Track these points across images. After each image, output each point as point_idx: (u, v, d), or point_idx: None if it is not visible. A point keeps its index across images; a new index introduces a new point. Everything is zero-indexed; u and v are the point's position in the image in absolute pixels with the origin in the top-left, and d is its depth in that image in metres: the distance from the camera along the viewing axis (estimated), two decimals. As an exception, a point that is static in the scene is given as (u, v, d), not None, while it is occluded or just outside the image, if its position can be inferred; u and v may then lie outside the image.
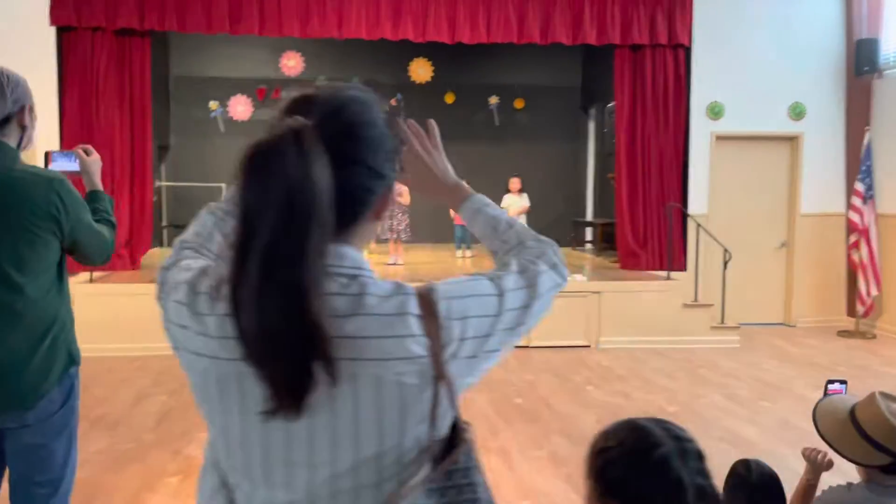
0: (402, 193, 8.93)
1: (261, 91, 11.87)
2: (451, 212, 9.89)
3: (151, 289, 1.15)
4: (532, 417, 5.35)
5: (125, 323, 6.84)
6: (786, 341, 8.19)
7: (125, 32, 7.92)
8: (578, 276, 7.88)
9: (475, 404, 5.61)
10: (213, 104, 11.82)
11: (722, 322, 7.92)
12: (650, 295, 7.75)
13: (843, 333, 8.49)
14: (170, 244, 11.41)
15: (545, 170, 12.43)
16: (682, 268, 8.59)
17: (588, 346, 7.69)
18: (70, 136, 7.81)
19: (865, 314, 8.35)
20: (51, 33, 7.76)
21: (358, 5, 8.07)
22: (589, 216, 12.28)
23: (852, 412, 2.50)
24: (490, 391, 6.01)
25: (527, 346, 7.55)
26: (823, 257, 8.98)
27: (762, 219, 9.03)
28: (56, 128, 7.84)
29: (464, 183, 1.41)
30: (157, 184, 11.13)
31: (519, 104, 12.39)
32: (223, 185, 11.38)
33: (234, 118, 11.93)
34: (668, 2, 8.44)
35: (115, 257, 7.93)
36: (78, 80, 7.84)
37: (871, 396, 2.68)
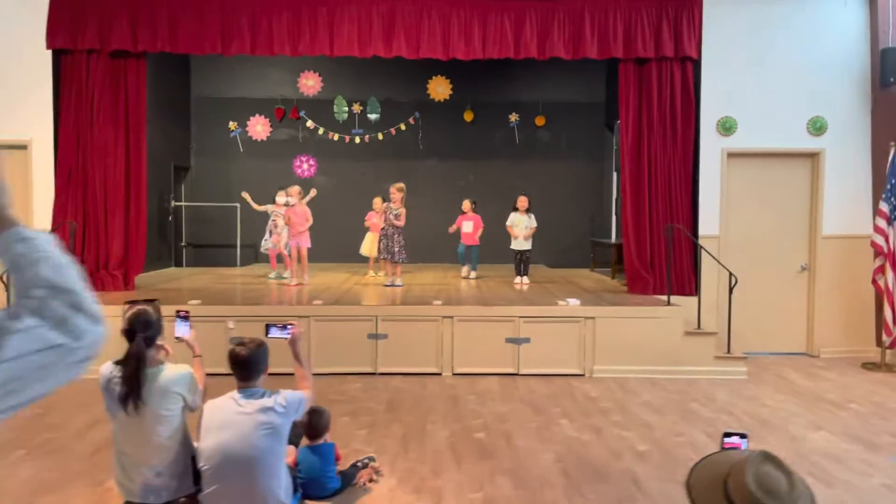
0: (400, 216, 8.73)
1: (279, 111, 11.88)
2: (457, 228, 9.69)
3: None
4: (486, 454, 5.02)
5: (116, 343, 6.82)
6: (800, 373, 7.60)
7: (120, 54, 7.99)
8: (572, 301, 7.50)
9: (434, 439, 5.33)
10: (232, 124, 11.89)
11: (728, 351, 7.40)
12: (648, 322, 7.30)
13: (869, 366, 7.83)
14: (187, 263, 11.51)
15: (567, 189, 12.07)
16: (693, 292, 8.10)
17: (582, 375, 7.29)
18: (65, 159, 7.91)
19: (892, 345, 7.68)
20: (47, 56, 7.88)
21: (350, 22, 7.93)
22: (613, 237, 11.81)
23: (726, 477, 2.15)
24: (456, 423, 5.72)
25: (515, 374, 7.22)
26: (849, 282, 8.34)
27: (781, 241, 8.46)
28: (51, 150, 7.95)
29: (10, 213, 1.17)
30: (174, 204, 11.23)
31: (540, 121, 12.05)
32: (238, 206, 11.42)
33: (254, 138, 11.97)
34: (674, 13, 8.03)
35: (108, 277, 7.99)
36: (74, 102, 7.93)
37: (746, 459, 2.31)
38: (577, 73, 11.40)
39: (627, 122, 8.29)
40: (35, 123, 7.94)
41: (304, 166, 12.02)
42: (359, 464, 4.61)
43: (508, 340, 7.23)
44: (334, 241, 11.23)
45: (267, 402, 3.67)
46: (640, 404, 6.34)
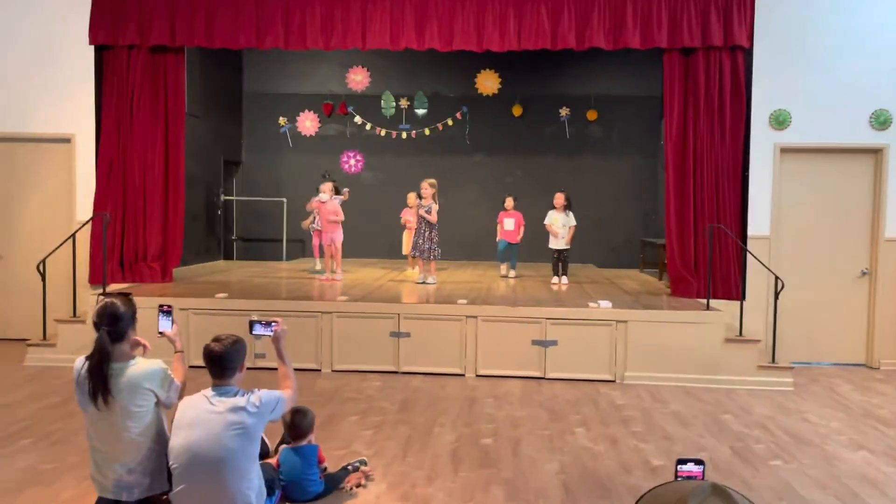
0: (431, 211, 8.56)
1: (327, 106, 11.88)
2: (498, 227, 9.44)
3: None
4: (486, 462, 4.80)
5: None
6: (853, 386, 7.05)
7: (159, 49, 8.08)
8: (603, 303, 7.16)
9: (438, 443, 5.14)
10: (282, 120, 11.96)
11: (773, 361, 6.92)
12: (685, 327, 6.90)
13: (934, 380, 7.21)
14: (238, 257, 11.67)
15: (620, 186, 11.64)
16: (738, 297, 7.62)
17: (612, 381, 6.95)
18: (106, 152, 8.06)
19: (960, 358, 7.04)
20: (90, 52, 8.04)
21: (382, 15, 7.79)
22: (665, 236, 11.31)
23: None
24: (465, 427, 5.52)
25: (541, 378, 6.95)
26: (915, 289, 7.70)
27: (839, 243, 7.88)
28: (93, 144, 8.12)
29: None
30: (223, 198, 11.38)
31: (592, 116, 11.65)
32: (284, 200, 11.49)
33: (303, 133, 12.01)
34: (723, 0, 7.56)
35: (146, 268, 8.12)
36: (115, 96, 8.07)
37: (693, 491, 2.06)
38: (631, 65, 10.95)
39: (672, 116, 7.86)
40: (78, 118, 8.12)
41: (351, 162, 11.99)
42: (349, 467, 4.47)
43: (535, 343, 6.96)
44: (379, 238, 11.15)
45: (239, 401, 3.55)
46: (667, 414, 5.98)
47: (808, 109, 7.70)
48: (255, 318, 4.13)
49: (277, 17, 7.86)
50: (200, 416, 3.52)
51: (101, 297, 3.73)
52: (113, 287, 7.97)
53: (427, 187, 8.61)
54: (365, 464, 4.55)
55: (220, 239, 11.43)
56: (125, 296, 3.78)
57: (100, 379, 3.50)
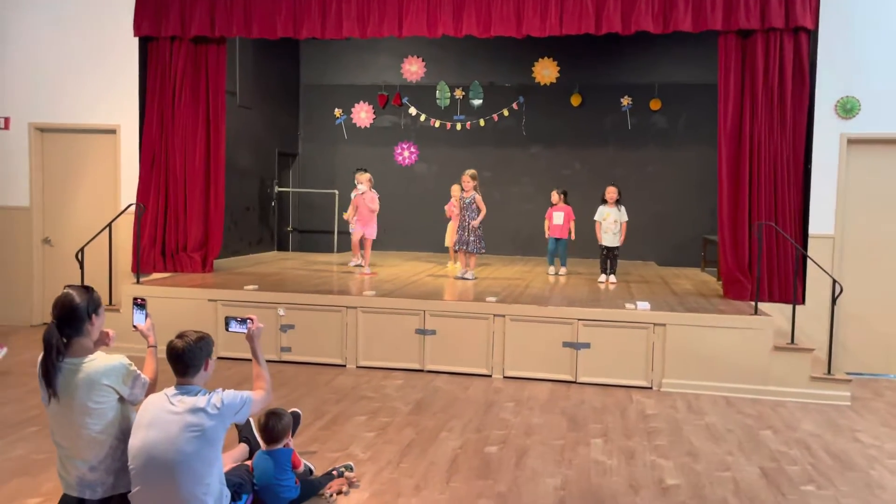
0: (477, 201, 8.28)
1: (382, 97, 11.75)
2: (546, 223, 9.07)
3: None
4: (485, 473, 4.51)
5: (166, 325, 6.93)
6: (923, 403, 6.36)
7: (201, 40, 8.11)
8: (641, 304, 6.70)
9: (440, 448, 4.89)
10: (337, 111, 11.91)
11: (829, 372, 6.31)
12: (729, 332, 6.37)
13: None
14: (293, 249, 11.72)
15: (685, 180, 11.00)
16: (800, 301, 7.00)
17: (648, 388, 6.51)
18: (149, 143, 8.16)
19: None
20: (135, 44, 8.15)
21: (418, 2, 7.53)
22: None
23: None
24: (475, 432, 5.24)
25: (571, 382, 6.58)
26: None
27: (913, 244, 7.14)
28: (137, 135, 8.23)
29: None
30: (277, 189, 11.42)
31: (655, 105, 11.04)
32: (336, 192, 11.44)
33: (358, 125, 11.92)
34: (785, -25, 6.94)
35: (187, 259, 8.18)
36: (158, 87, 8.16)
37: None
38: (696, 50, 10.33)
39: (727, 104, 7.28)
40: (123, 109, 8.25)
41: (406, 154, 11.82)
42: (334, 472, 4.28)
43: (566, 345, 6.59)
44: (431, 231, 10.92)
45: (199, 401, 3.38)
46: (698, 427, 5.52)
47: (880, 96, 6.99)
48: (230, 315, 3.99)
49: (314, 5, 7.74)
50: (158, 415, 3.37)
51: (64, 288, 3.64)
52: (154, 276, 8.09)
53: (468, 179, 8.33)
54: (351, 469, 4.34)
55: (274, 230, 11.49)
56: (85, 288, 3.65)
57: (46, 372, 3.40)
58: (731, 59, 7.24)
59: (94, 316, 3.57)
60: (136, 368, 3.60)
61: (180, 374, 3.47)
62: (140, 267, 7.80)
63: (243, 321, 3.85)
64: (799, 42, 7.05)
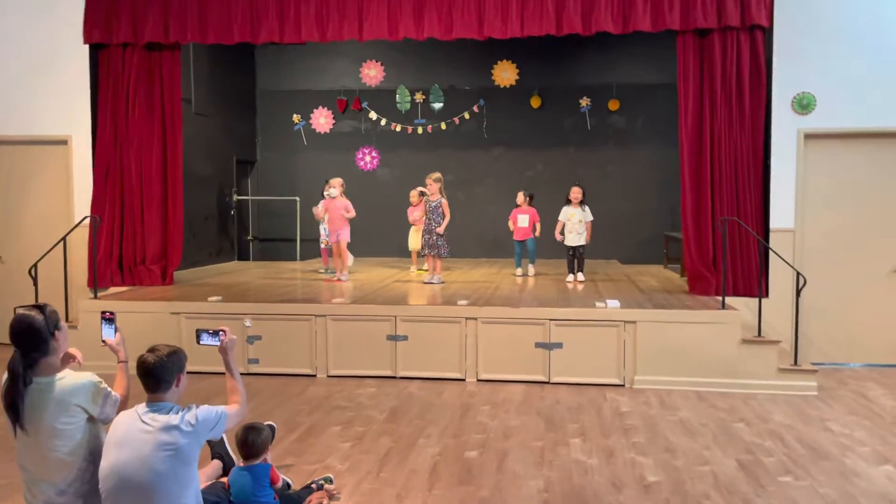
0: (443, 206, 8.23)
1: (341, 102, 11.63)
2: (510, 223, 9.06)
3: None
4: (466, 478, 4.46)
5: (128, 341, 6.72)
6: (887, 390, 6.50)
7: (154, 47, 7.90)
8: (611, 303, 6.73)
9: (419, 456, 4.82)
10: (296, 117, 11.75)
11: (795, 363, 6.42)
12: (698, 327, 6.44)
13: (977, 383, 6.62)
14: (254, 258, 11.51)
15: (645, 178, 11.10)
16: (764, 294, 7.09)
17: (621, 385, 6.53)
18: (102, 154, 7.92)
19: None
20: (85, 51, 7.91)
21: (378, 4, 7.46)
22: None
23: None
24: (453, 437, 5.19)
25: (545, 383, 6.57)
26: (957, 284, 7.09)
27: (870, 235, 7.31)
28: (89, 146, 7.99)
29: None
30: (236, 198, 11.22)
31: (614, 106, 11.14)
32: (297, 199, 11.28)
33: (317, 131, 11.78)
34: (740, -24, 7.05)
35: (146, 272, 7.97)
36: (111, 96, 7.93)
37: None
38: (653, 50, 10.45)
39: (687, 103, 7.37)
40: (75, 119, 8.00)
41: (367, 158, 11.71)
42: (313, 485, 4.17)
43: (538, 345, 6.58)
44: (394, 236, 10.84)
45: (172, 419, 3.24)
46: (673, 422, 5.55)
47: (835, 92, 7.15)
48: (201, 327, 3.87)
49: (271, 9, 7.61)
50: (130, 434, 3.23)
51: (16, 310, 3.47)
52: (112, 291, 7.86)
53: (432, 182, 8.28)
54: (330, 481, 4.25)
55: (234, 239, 11.28)
56: (38, 307, 3.47)
57: (11, 405, 3.25)
58: (690, 59, 7.33)
59: (56, 332, 3.41)
60: (106, 386, 3.46)
61: (151, 389, 3.33)
62: (97, 281, 7.57)
63: (215, 333, 3.74)
64: (755, 40, 7.17)
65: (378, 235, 11.45)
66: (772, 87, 7.21)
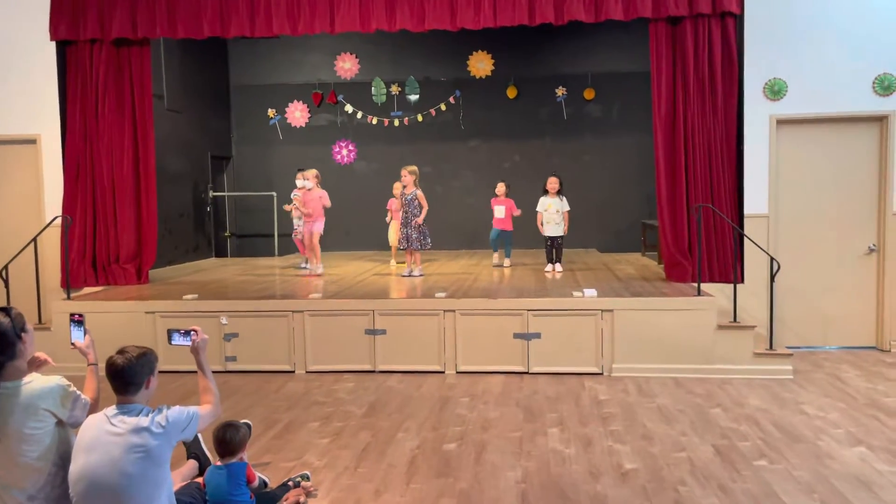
0: (419, 197, 8.21)
1: (316, 95, 11.55)
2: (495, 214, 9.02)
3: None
4: (445, 471, 4.45)
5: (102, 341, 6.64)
6: (860, 372, 6.57)
7: (122, 42, 7.80)
8: (588, 292, 6.75)
9: (397, 450, 4.81)
10: (271, 112, 11.66)
11: (770, 347, 6.47)
12: (674, 314, 6.47)
13: (949, 363, 6.71)
14: (232, 254, 11.43)
15: (622, 167, 11.14)
16: (739, 280, 7.15)
17: (599, 374, 6.56)
18: (73, 152, 7.82)
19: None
20: (52, 48, 7.79)
21: (349, -5, 7.43)
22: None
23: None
24: (432, 430, 5.18)
25: (524, 373, 6.58)
26: (928, 265, 7.17)
27: (843, 219, 7.37)
28: (59, 145, 7.88)
29: None
30: (212, 194, 11.13)
31: (589, 95, 11.16)
32: (274, 195, 11.21)
33: (293, 125, 11.70)
34: (710, -38, 7.07)
35: (120, 271, 7.88)
36: (80, 94, 7.82)
37: None
38: (628, 38, 10.48)
39: (661, 91, 7.39)
40: (43, 117, 7.87)
41: (344, 152, 11.66)
42: (290, 483, 4.15)
43: (517, 336, 6.59)
44: (373, 230, 10.78)
45: (142, 421, 3.20)
46: (650, 409, 5.58)
47: (805, 77, 7.18)
48: (172, 327, 3.83)
49: (241, 3, 7.53)
50: (99, 437, 3.18)
51: None
52: (86, 291, 7.77)
53: (406, 175, 8.25)
54: (307, 478, 4.23)
55: (211, 236, 11.19)
56: (3, 311, 3.42)
57: None
58: (662, 47, 7.35)
59: (23, 335, 3.37)
60: (75, 389, 3.42)
61: (121, 392, 3.29)
62: (70, 282, 7.48)
63: (187, 333, 3.71)
64: (726, 27, 7.20)
65: (356, 229, 11.41)
66: (743, 74, 7.25)
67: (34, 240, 7.09)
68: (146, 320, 6.89)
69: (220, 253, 11.46)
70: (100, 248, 7.95)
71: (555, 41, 10.95)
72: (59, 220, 7.40)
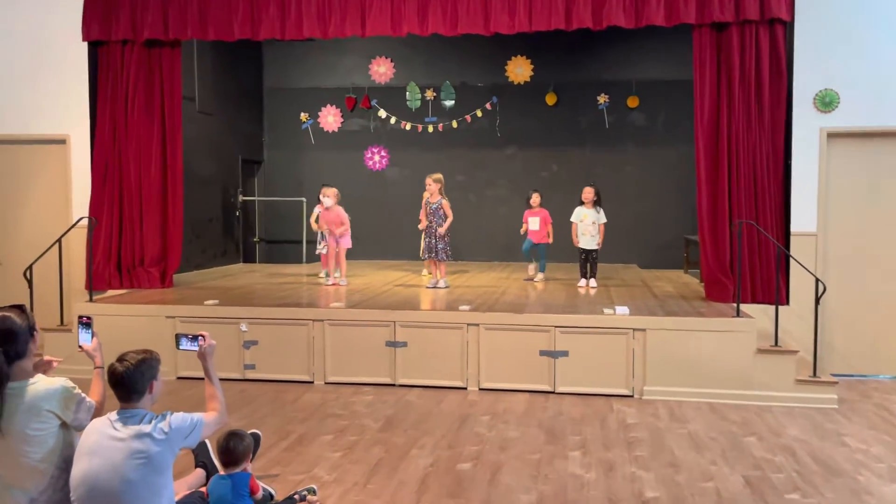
0: (441, 209, 7.98)
1: (350, 100, 11.42)
2: (522, 229, 8.75)
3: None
4: (456, 491, 4.21)
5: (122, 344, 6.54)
6: (913, 404, 6.14)
7: (154, 43, 7.75)
8: (620, 309, 6.44)
9: (410, 467, 4.59)
10: (303, 116, 11.56)
11: (814, 374, 6.08)
12: (711, 336, 6.11)
13: None
14: (260, 260, 11.35)
15: (666, 179, 10.73)
16: (784, 301, 6.77)
17: (630, 396, 6.23)
18: (101, 153, 7.78)
19: None
20: (84, 48, 7.78)
21: (381, -1, 7.27)
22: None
23: None
24: (448, 448, 4.94)
25: (549, 392, 6.29)
26: None
27: (897, 239, 6.93)
28: (88, 145, 7.85)
29: None
30: (241, 198, 11.06)
31: (633, 103, 10.81)
32: (304, 200, 11.09)
33: (325, 129, 11.58)
34: (758, -33, 6.73)
35: (144, 274, 7.82)
36: (110, 95, 7.78)
37: None
38: (674, 45, 10.04)
39: (703, 100, 7.06)
40: (73, 118, 7.85)
41: (376, 158, 11.49)
42: (296, 496, 3.96)
43: (543, 353, 6.30)
44: (405, 238, 10.59)
45: (145, 427, 3.08)
46: (681, 435, 5.25)
47: (860, 89, 6.79)
48: (181, 331, 3.70)
49: (272, 5, 7.41)
50: (101, 442, 3.08)
51: None
52: (110, 293, 7.71)
53: (431, 183, 8.03)
54: (314, 492, 4.02)
55: (239, 241, 11.11)
56: (19, 308, 3.36)
57: None
58: (707, 54, 7.02)
59: (35, 334, 3.32)
60: (80, 391, 3.32)
61: (124, 398, 3.18)
62: (95, 284, 7.42)
63: (194, 338, 3.57)
64: (775, 34, 6.85)
65: (386, 238, 11.23)
66: (793, 84, 6.89)
67: (59, 240, 7.04)
68: (166, 324, 6.78)
69: (249, 258, 11.37)
70: (125, 251, 7.89)
71: (597, 46, 10.64)
72: (84, 222, 7.34)
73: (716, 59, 7.03)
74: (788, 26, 6.86)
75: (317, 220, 8.77)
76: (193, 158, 9.22)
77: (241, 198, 10.99)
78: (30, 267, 6.85)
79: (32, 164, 8.10)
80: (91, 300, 7.14)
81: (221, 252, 10.49)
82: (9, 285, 7.95)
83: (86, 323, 3.65)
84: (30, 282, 6.83)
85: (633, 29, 7.13)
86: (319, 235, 8.98)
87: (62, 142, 7.92)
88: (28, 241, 7.96)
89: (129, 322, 6.77)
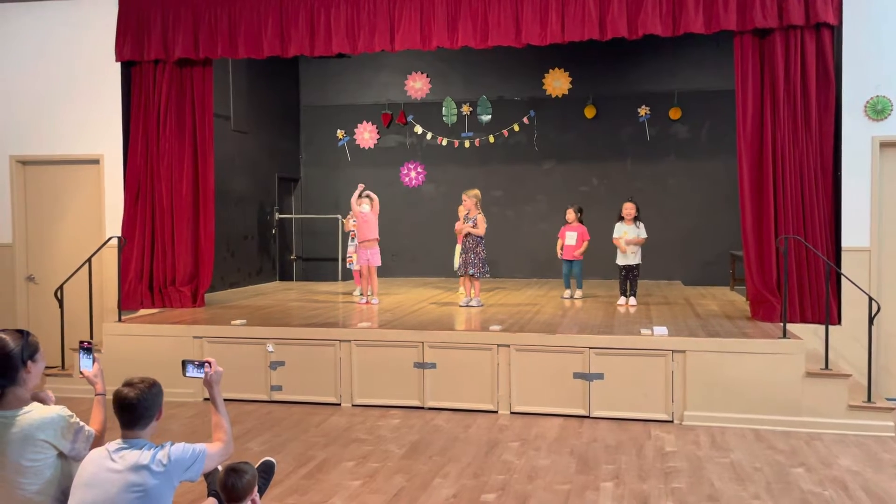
0: (479, 221, 7.80)
1: (385, 116, 11.34)
2: (559, 242, 8.51)
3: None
4: (477, 528, 3.98)
5: (149, 365, 6.48)
6: (978, 433, 5.68)
7: (185, 62, 7.76)
8: (658, 329, 6.13)
9: (430, 498, 4.37)
10: (339, 133, 11.51)
11: (868, 400, 5.68)
12: (756, 358, 5.77)
13: None
14: (297, 278, 11.29)
15: (711, 192, 10.37)
16: (835, 321, 6.39)
17: (669, 422, 5.92)
18: (133, 172, 7.80)
19: None
20: (117, 69, 7.82)
21: (410, 14, 7.12)
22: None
23: None
24: (472, 478, 4.71)
25: (584, 417, 6.01)
26: None
27: (958, 254, 6.49)
28: (121, 165, 7.87)
29: None
30: (278, 216, 11.04)
31: (675, 114, 10.49)
32: (339, 217, 11.01)
33: (361, 146, 11.51)
34: (803, -30, 6.41)
35: (176, 293, 7.79)
36: (143, 114, 7.81)
37: None
38: (716, 53, 9.79)
39: (746, 110, 6.75)
40: (107, 137, 7.89)
41: (412, 174, 11.37)
42: (304, 532, 3.78)
43: (577, 376, 6.04)
44: (441, 255, 10.40)
45: (143, 458, 2.94)
46: (722, 465, 4.93)
47: (914, 95, 6.41)
48: (187, 359, 3.56)
49: (301, 22, 7.36)
50: (98, 474, 2.95)
51: None
52: (142, 313, 7.69)
53: (467, 199, 7.86)
54: (324, 529, 3.84)
55: (276, 259, 11.08)
56: (19, 332, 3.24)
57: None
58: (749, 61, 6.72)
59: (29, 363, 3.18)
60: (78, 420, 3.18)
61: (130, 425, 3.04)
62: (127, 303, 7.42)
63: (200, 365, 3.44)
64: (821, 40, 6.51)
65: (422, 255, 11.07)
66: (841, 92, 6.54)
67: (88, 260, 7.03)
68: (193, 345, 6.70)
69: (285, 276, 11.33)
70: (157, 270, 7.88)
71: (637, 57, 10.36)
72: (114, 241, 7.34)
73: (759, 67, 6.72)
74: (836, 31, 6.53)
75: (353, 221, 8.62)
76: (229, 176, 9.21)
77: (277, 215, 10.98)
78: (60, 287, 6.86)
79: (67, 184, 8.17)
80: (120, 320, 7.12)
81: (257, 270, 10.46)
82: (44, 304, 8.00)
83: (86, 348, 3.53)
84: (60, 301, 6.83)
85: (671, 37, 6.88)
86: (350, 244, 8.89)
87: (96, 161, 7.97)
88: (63, 260, 8.01)
89: (156, 343, 6.72)
